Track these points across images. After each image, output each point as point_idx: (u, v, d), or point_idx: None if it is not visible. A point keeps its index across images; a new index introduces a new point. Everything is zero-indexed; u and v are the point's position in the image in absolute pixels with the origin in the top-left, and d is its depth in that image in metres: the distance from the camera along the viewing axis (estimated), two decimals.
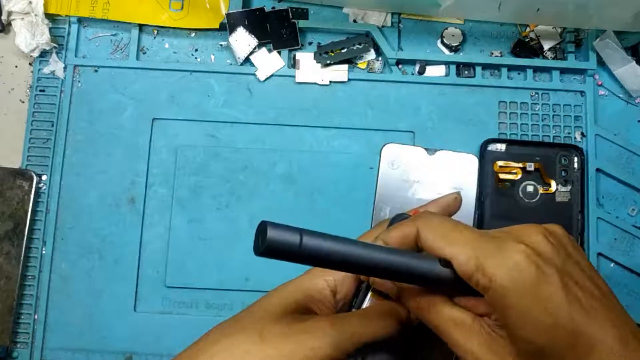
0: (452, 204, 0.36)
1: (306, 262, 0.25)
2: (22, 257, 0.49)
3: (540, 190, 0.50)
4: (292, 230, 0.24)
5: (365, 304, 0.33)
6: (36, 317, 0.49)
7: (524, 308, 0.25)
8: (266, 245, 0.23)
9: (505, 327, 0.26)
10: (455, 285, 0.28)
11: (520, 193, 0.50)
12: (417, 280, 0.28)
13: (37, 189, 0.51)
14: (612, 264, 0.50)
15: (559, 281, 0.25)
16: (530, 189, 0.50)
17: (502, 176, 0.50)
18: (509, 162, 0.50)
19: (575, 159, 0.51)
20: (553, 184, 0.50)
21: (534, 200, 0.50)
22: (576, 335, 0.24)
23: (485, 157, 0.51)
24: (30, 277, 0.50)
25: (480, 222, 0.49)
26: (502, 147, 0.51)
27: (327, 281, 0.32)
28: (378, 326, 0.30)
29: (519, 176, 0.50)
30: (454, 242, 0.27)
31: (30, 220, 0.50)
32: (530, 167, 0.50)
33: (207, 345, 0.29)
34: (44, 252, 0.50)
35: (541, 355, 0.25)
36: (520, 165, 0.50)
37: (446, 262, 0.27)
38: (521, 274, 0.25)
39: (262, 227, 0.23)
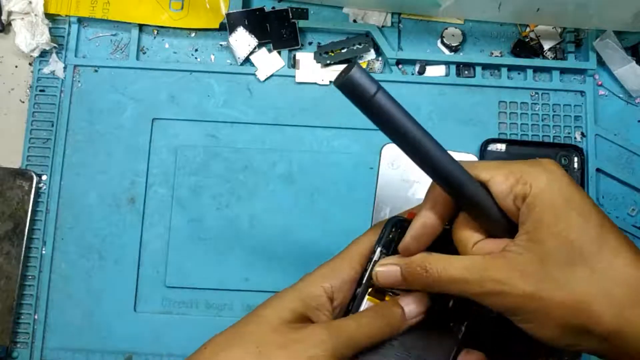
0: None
1: (369, 113, 0.26)
2: (22, 257, 0.49)
3: None
4: (372, 81, 0.26)
5: (362, 308, 0.33)
6: (36, 317, 0.49)
7: (559, 207, 0.27)
8: (345, 79, 0.25)
9: (538, 230, 0.27)
10: (485, 213, 0.29)
11: None
12: (455, 186, 0.29)
13: (37, 189, 0.51)
14: None
15: (585, 193, 0.29)
16: None
17: None
18: None
19: (575, 159, 0.51)
20: None
21: None
22: (604, 238, 0.27)
23: (485, 157, 0.50)
24: (30, 277, 0.50)
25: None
26: (502, 147, 0.51)
27: (324, 288, 0.32)
28: (375, 328, 0.30)
29: None
30: (489, 167, 0.29)
31: (30, 220, 0.50)
32: None
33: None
34: (44, 252, 0.50)
35: (570, 253, 0.27)
36: None
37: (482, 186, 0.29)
38: (557, 179, 0.28)
39: (351, 66, 0.25)
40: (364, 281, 0.33)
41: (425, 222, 0.31)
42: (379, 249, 0.33)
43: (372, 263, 0.33)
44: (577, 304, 0.26)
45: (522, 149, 0.51)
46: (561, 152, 0.51)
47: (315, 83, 0.53)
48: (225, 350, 0.30)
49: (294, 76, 0.53)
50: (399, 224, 0.33)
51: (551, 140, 0.52)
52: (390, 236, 0.33)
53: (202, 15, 0.53)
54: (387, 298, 0.33)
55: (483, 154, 0.50)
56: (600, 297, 0.26)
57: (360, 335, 0.30)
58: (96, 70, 0.53)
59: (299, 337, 0.29)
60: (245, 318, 0.32)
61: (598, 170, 0.51)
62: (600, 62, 0.53)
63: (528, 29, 0.54)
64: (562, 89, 0.53)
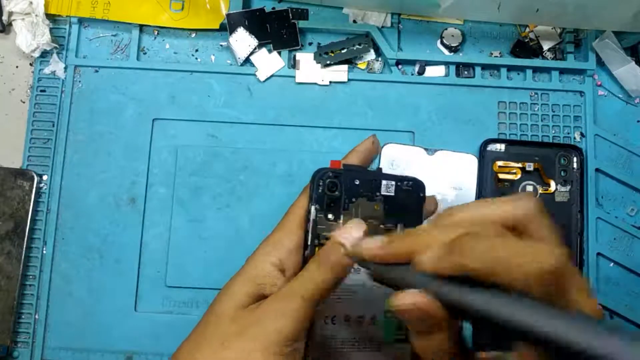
0: (371, 148, 0.36)
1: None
2: (22, 257, 0.49)
3: (540, 190, 0.50)
4: None
5: None
6: (37, 316, 0.49)
7: None
8: None
9: None
10: None
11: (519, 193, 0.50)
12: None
13: (38, 189, 0.51)
14: (612, 264, 0.50)
15: None
16: (529, 188, 0.50)
17: (501, 176, 0.50)
18: (509, 162, 0.51)
19: (575, 159, 0.51)
20: (552, 183, 0.50)
21: None
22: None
23: (484, 157, 0.51)
24: (30, 276, 0.50)
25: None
26: (501, 147, 0.51)
27: (271, 262, 0.32)
28: (324, 274, 0.30)
29: (519, 176, 0.50)
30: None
31: (31, 220, 0.50)
32: (530, 167, 0.50)
33: None
34: (44, 252, 0.50)
35: None
36: (520, 165, 0.50)
37: None
38: None
39: None
40: (309, 243, 0.33)
41: None
42: (313, 207, 0.33)
43: (311, 223, 0.33)
44: None
45: (521, 149, 0.51)
46: (560, 152, 0.51)
47: (315, 83, 0.53)
48: (194, 353, 0.30)
49: (294, 76, 0.53)
50: (325, 175, 0.33)
51: (551, 140, 0.52)
52: (320, 190, 0.33)
53: (203, 15, 0.53)
54: None
55: (482, 154, 0.51)
56: None
57: (312, 287, 0.29)
58: (97, 71, 0.53)
59: (255, 318, 0.29)
60: (204, 317, 0.32)
61: (597, 170, 0.51)
62: (600, 63, 0.53)
63: (527, 30, 0.54)
64: (562, 89, 0.53)
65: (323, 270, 0.30)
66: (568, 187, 0.50)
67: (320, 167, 0.34)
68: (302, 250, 0.33)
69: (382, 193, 0.35)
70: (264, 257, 0.32)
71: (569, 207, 0.50)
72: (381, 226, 0.34)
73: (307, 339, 0.31)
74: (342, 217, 0.33)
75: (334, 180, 0.33)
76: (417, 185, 0.35)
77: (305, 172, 0.51)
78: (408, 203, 0.35)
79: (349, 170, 0.34)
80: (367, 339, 0.34)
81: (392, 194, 0.35)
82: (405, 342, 0.34)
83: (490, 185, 0.50)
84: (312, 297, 0.29)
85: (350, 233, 0.30)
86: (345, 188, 0.34)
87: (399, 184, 0.35)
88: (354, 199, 0.34)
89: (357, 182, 0.34)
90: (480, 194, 0.50)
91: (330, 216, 0.33)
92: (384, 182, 0.35)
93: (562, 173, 0.51)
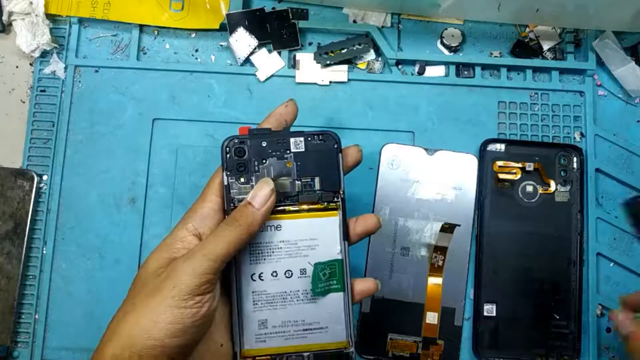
0: (284, 112, 0.39)
1: None
2: (22, 257, 0.49)
3: (540, 190, 0.50)
4: None
5: None
6: (37, 316, 0.49)
7: None
8: None
9: None
10: None
11: (519, 193, 0.50)
12: None
13: (38, 189, 0.51)
14: (612, 264, 0.50)
15: None
16: (529, 189, 0.50)
17: (501, 176, 0.50)
18: (509, 162, 0.51)
19: (575, 159, 0.51)
20: (552, 184, 0.50)
21: (533, 200, 0.50)
22: None
23: (484, 157, 0.51)
24: (31, 276, 0.50)
25: (480, 222, 0.50)
26: (501, 147, 0.51)
27: (186, 228, 0.34)
28: (232, 232, 0.33)
29: (519, 176, 0.50)
30: None
31: (31, 220, 0.50)
32: (530, 167, 0.50)
33: (111, 331, 0.32)
34: (44, 252, 0.50)
35: None
36: (520, 165, 0.50)
37: None
38: None
39: None
40: (225, 208, 0.35)
41: None
42: (224, 174, 0.36)
43: (224, 189, 0.36)
44: None
45: (521, 149, 0.51)
46: (560, 152, 0.51)
47: (315, 83, 0.53)
48: (110, 323, 0.33)
49: (294, 76, 0.53)
50: (231, 143, 0.36)
51: (550, 140, 0.52)
52: (229, 157, 0.36)
53: (203, 15, 0.53)
54: None
55: (482, 154, 0.51)
56: None
57: (221, 244, 0.32)
58: (97, 71, 0.53)
59: (161, 278, 0.32)
60: (131, 285, 0.34)
61: (597, 170, 0.51)
62: (600, 63, 0.53)
63: (527, 30, 0.54)
64: (562, 89, 0.53)
65: (228, 230, 0.33)
66: (568, 187, 0.50)
67: (229, 135, 0.36)
68: (219, 215, 0.35)
69: (292, 150, 0.37)
70: (179, 225, 0.35)
71: (569, 207, 0.50)
72: (297, 182, 0.36)
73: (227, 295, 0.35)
74: (254, 179, 0.36)
75: (240, 146, 0.36)
76: (329, 138, 0.37)
77: None
78: (322, 156, 0.37)
79: (255, 134, 0.36)
80: (299, 292, 0.36)
81: (303, 149, 0.37)
82: (336, 292, 0.36)
83: (490, 185, 0.50)
84: (214, 254, 0.32)
85: (257, 192, 0.34)
86: (253, 152, 0.36)
87: (309, 139, 0.37)
88: (264, 161, 0.36)
89: (265, 144, 0.36)
90: (480, 194, 0.50)
91: (242, 180, 0.36)
92: (292, 139, 0.37)
93: (562, 173, 0.51)
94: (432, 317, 0.48)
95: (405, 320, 0.48)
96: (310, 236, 0.36)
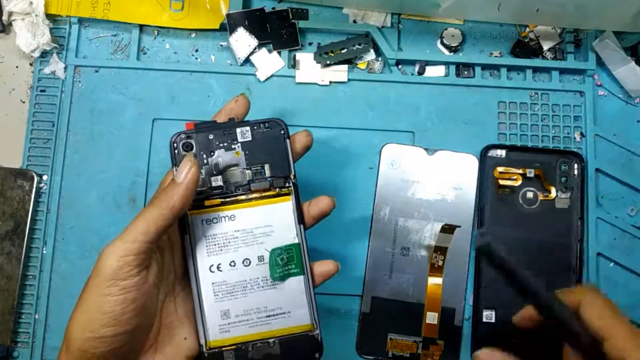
0: (235, 106, 0.39)
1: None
2: (22, 257, 0.49)
3: (540, 197, 0.50)
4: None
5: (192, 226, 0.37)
6: (37, 316, 0.49)
7: None
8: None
9: None
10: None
11: (520, 199, 0.50)
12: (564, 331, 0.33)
13: (38, 189, 0.51)
14: (612, 264, 0.50)
15: None
16: (530, 195, 0.50)
17: (502, 182, 0.50)
18: (509, 168, 0.50)
19: (576, 166, 0.51)
20: (553, 190, 0.50)
21: (533, 207, 0.50)
22: None
23: (485, 163, 0.51)
24: (30, 276, 0.50)
25: (480, 227, 0.50)
26: (502, 153, 0.51)
27: (139, 220, 0.34)
28: (157, 207, 0.33)
29: (519, 182, 0.50)
30: (614, 328, 0.31)
31: (30, 220, 0.50)
32: (531, 173, 0.50)
33: (64, 337, 0.33)
34: (44, 252, 0.50)
35: None
36: (521, 171, 0.50)
37: (593, 337, 0.32)
38: None
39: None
40: None
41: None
42: (174, 169, 0.36)
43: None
44: None
45: (522, 155, 0.51)
46: (561, 158, 0.51)
47: (315, 83, 0.53)
48: (67, 324, 0.33)
49: (294, 76, 0.53)
50: (178, 138, 0.37)
51: (550, 141, 0.52)
52: (177, 152, 0.37)
53: (203, 15, 0.53)
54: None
55: (483, 159, 0.51)
56: None
57: (140, 225, 0.32)
58: (97, 71, 0.53)
59: (99, 258, 0.33)
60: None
61: (597, 170, 0.51)
62: (600, 63, 0.53)
63: (527, 30, 0.54)
64: (562, 89, 0.53)
65: (148, 210, 0.33)
66: (568, 194, 0.50)
67: (182, 131, 0.37)
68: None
69: (240, 140, 0.37)
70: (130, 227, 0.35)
71: (569, 213, 0.50)
72: (247, 171, 0.37)
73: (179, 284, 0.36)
74: (203, 172, 0.36)
75: (187, 141, 0.37)
76: (275, 125, 0.38)
77: (304, 172, 0.51)
78: (270, 144, 0.37)
79: (201, 128, 0.37)
80: (259, 279, 0.37)
81: (250, 139, 0.37)
82: (295, 276, 0.37)
83: (490, 191, 0.50)
84: (132, 236, 0.32)
85: (179, 169, 0.34)
86: (201, 145, 0.37)
87: (255, 127, 0.37)
88: (212, 153, 0.37)
89: (212, 137, 0.37)
90: (480, 200, 0.50)
91: None
92: (238, 130, 0.37)
93: (563, 180, 0.50)
94: (432, 317, 0.48)
95: (405, 320, 0.48)
96: (265, 223, 0.37)
